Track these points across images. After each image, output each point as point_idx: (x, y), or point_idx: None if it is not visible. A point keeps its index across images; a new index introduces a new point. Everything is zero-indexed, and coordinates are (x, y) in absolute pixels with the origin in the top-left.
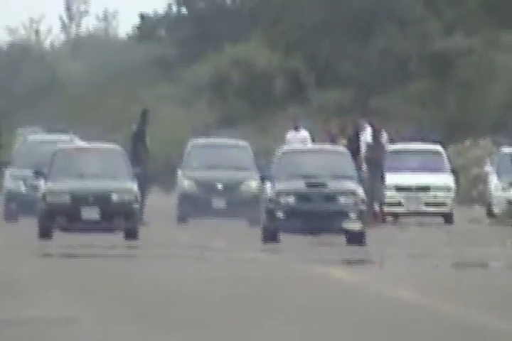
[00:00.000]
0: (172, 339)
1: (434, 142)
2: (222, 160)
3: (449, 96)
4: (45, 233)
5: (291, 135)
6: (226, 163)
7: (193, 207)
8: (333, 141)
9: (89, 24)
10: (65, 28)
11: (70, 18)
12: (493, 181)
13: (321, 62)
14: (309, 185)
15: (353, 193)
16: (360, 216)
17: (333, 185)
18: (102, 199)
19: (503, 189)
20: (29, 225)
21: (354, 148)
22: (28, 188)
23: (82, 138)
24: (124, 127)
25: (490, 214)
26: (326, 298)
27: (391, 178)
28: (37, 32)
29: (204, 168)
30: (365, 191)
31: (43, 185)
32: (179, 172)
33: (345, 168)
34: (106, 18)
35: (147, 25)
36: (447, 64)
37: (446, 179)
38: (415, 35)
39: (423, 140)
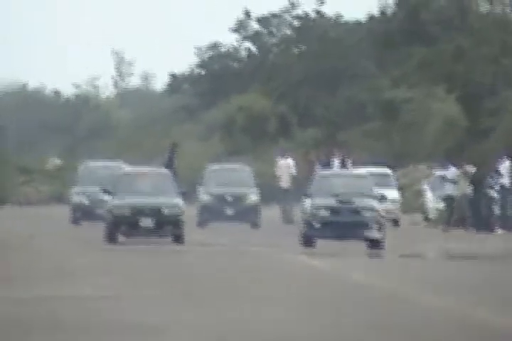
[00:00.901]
0: (194, 311)
1: (385, 166)
2: (231, 179)
3: (395, 133)
4: (111, 238)
5: (280, 162)
6: (234, 182)
7: (210, 214)
8: (311, 167)
9: (134, 81)
10: (116, 84)
11: (121, 76)
12: (428, 195)
13: (301, 108)
14: (339, 202)
15: (374, 209)
16: (380, 227)
17: (358, 202)
18: (155, 212)
19: (435, 201)
20: (90, 227)
21: None
22: (90, 201)
23: (129, 164)
24: (159, 156)
25: (426, 219)
26: (298, 279)
27: None
28: (95, 87)
29: (218, 185)
30: None
31: (109, 200)
32: (200, 189)
33: (367, 189)
34: (146, 76)
35: (176, 82)
36: (394, 109)
37: (395, 193)
38: (370, 87)
39: (376, 164)
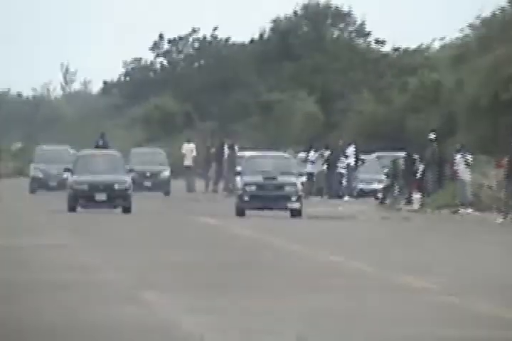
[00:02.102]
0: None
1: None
2: (150, 160)
3: (270, 125)
4: (71, 208)
5: (185, 146)
6: (151, 162)
7: (134, 186)
8: (208, 150)
9: (76, 85)
10: (63, 88)
11: (66, 82)
12: None
13: (201, 107)
14: (265, 179)
15: (294, 184)
16: (299, 199)
17: (281, 179)
18: (108, 187)
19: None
20: (43, 195)
21: (220, 155)
22: (44, 175)
23: (72, 147)
24: (94, 142)
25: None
26: (194, 230)
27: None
28: (48, 90)
29: (139, 164)
30: None
31: (70, 177)
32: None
33: (289, 167)
34: (85, 82)
35: (107, 87)
36: (269, 108)
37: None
38: (252, 92)
39: (256, 149)
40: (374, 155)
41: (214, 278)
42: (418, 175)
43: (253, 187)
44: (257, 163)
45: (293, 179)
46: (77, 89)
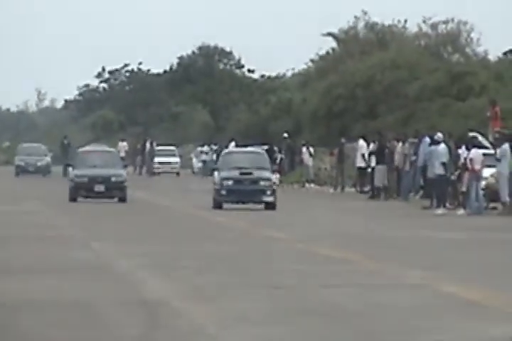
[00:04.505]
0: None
1: (173, 146)
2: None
3: (177, 129)
4: (73, 199)
5: (120, 144)
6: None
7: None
8: (134, 146)
9: (46, 103)
10: (37, 104)
11: (39, 100)
12: (194, 160)
13: (131, 116)
14: (241, 174)
15: (269, 179)
16: (273, 193)
17: (257, 174)
18: (106, 180)
19: (196, 163)
20: (25, 177)
21: (143, 150)
22: (25, 164)
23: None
24: (58, 141)
25: (193, 172)
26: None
27: None
28: (26, 106)
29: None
30: None
31: (71, 171)
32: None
33: (264, 163)
34: (53, 100)
35: (67, 103)
36: (177, 117)
37: (177, 159)
38: (165, 106)
39: (170, 145)
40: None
41: (142, 233)
42: (277, 161)
43: (230, 182)
44: (233, 158)
45: (267, 174)
46: (47, 105)
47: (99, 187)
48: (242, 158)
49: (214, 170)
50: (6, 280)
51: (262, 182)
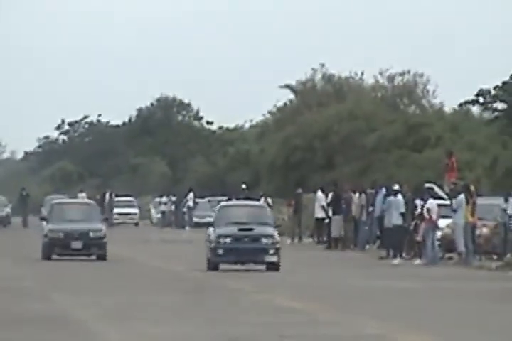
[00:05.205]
0: None
1: (131, 196)
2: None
3: (135, 181)
4: (46, 257)
5: (79, 194)
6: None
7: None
8: (96, 197)
9: (6, 154)
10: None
11: None
12: (152, 211)
13: (90, 168)
14: (240, 230)
15: (272, 236)
16: (276, 251)
17: (258, 230)
18: (83, 235)
19: (155, 214)
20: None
21: (102, 201)
22: None
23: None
24: (17, 192)
25: (151, 223)
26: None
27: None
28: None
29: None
30: None
31: (45, 226)
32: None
33: (265, 217)
34: (12, 152)
35: (27, 155)
36: (135, 168)
37: (136, 210)
38: (124, 157)
39: (126, 196)
40: (206, 199)
41: (100, 283)
42: None
43: (227, 240)
44: (230, 212)
45: (270, 230)
46: (7, 157)
47: (76, 244)
48: (241, 211)
49: (210, 225)
50: None
51: (264, 240)
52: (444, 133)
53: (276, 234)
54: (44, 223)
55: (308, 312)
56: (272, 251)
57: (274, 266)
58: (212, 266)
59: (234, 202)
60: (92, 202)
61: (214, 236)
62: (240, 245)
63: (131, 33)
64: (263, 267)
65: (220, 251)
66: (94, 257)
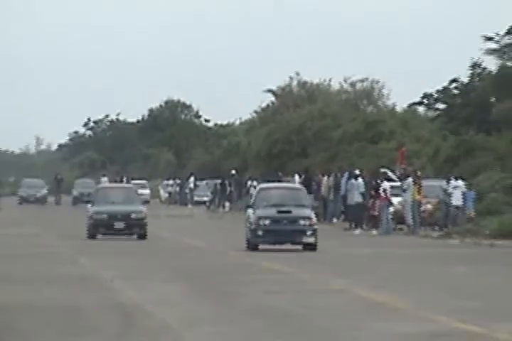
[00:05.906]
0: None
1: (144, 180)
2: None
3: (148, 166)
4: (92, 236)
5: (102, 179)
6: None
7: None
8: (115, 181)
9: (43, 146)
10: (37, 147)
11: (38, 145)
12: (161, 191)
13: (111, 157)
14: (279, 212)
15: (309, 217)
16: (313, 232)
17: (295, 212)
18: (125, 217)
19: (163, 193)
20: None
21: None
22: (27, 195)
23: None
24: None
25: (160, 201)
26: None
27: None
28: (27, 149)
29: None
30: None
31: (90, 208)
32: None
33: (302, 199)
34: (49, 145)
35: (60, 147)
36: (148, 157)
37: (147, 190)
38: (138, 148)
39: (138, 179)
40: (204, 182)
41: (123, 249)
42: (227, 193)
43: (267, 221)
44: (269, 194)
45: (307, 212)
46: (44, 148)
47: (119, 225)
48: (279, 194)
49: (248, 207)
50: (8, 288)
51: (301, 221)
52: (396, 129)
53: (313, 215)
54: (89, 205)
55: (287, 273)
56: (309, 232)
57: (311, 247)
58: (252, 247)
59: (272, 184)
60: (132, 186)
61: (254, 218)
62: (279, 227)
63: (141, 44)
64: (300, 247)
65: (260, 233)
66: (135, 236)
